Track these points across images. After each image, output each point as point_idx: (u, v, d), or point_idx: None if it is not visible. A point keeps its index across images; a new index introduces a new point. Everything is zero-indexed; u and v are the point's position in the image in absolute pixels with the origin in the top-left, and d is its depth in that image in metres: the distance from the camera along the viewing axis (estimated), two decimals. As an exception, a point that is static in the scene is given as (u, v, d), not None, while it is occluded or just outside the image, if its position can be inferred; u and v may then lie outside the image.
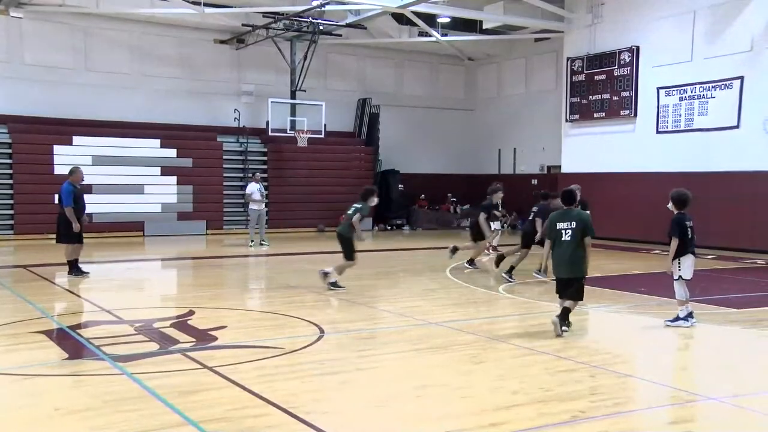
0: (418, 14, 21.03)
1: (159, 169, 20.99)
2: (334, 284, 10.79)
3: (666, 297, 9.60)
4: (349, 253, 10.89)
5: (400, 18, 22.28)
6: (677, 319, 8.12)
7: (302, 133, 21.80)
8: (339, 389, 5.77)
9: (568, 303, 7.78)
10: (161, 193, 21.03)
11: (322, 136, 22.00)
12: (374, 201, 11.09)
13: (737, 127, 17.05)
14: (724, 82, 17.23)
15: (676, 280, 8.14)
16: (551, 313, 8.87)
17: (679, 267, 8.08)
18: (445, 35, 23.07)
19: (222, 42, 22.77)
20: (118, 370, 6.17)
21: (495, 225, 16.96)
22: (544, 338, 7.65)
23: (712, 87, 17.52)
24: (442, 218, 25.42)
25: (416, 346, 7.27)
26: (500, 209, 17.05)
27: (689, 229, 8.05)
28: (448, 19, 22.08)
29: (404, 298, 10.81)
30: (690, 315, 8.14)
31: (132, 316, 8.65)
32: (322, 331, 7.83)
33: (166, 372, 6.13)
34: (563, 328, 7.65)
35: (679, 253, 8.04)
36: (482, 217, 13.03)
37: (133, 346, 7.08)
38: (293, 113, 22.36)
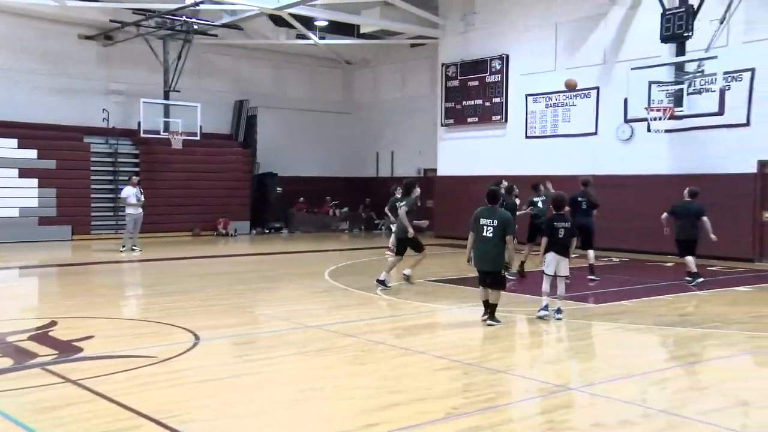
0: (295, 16, 20.93)
1: (17, 171, 19.56)
2: (408, 278, 11.53)
3: (537, 295, 10.11)
4: (417, 246, 11.51)
5: (277, 20, 22.07)
6: (540, 309, 8.78)
7: (176, 135, 21.06)
8: (216, 396, 5.62)
9: (492, 297, 8.33)
10: (19, 196, 19.56)
11: (198, 138, 21.36)
12: (417, 192, 11.69)
13: (595, 133, 18.28)
14: (584, 92, 18.40)
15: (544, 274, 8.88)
16: (428, 313, 9.09)
17: (545, 263, 8.84)
18: (323, 38, 23.10)
19: (88, 37, 21.59)
20: (-41, 392, 5.62)
21: (393, 227, 17.16)
22: (421, 338, 7.85)
23: (574, 96, 18.66)
24: (321, 221, 25.43)
25: (296, 350, 7.22)
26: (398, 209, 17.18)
27: (559, 230, 8.67)
28: (325, 23, 22.13)
29: (283, 301, 10.73)
30: (558, 311, 8.69)
31: (-17, 331, 7.94)
32: (198, 337, 7.61)
33: (20, 389, 5.68)
34: (498, 322, 8.32)
35: (546, 251, 8.78)
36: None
37: (-17, 363, 6.52)
38: (167, 114, 21.56)
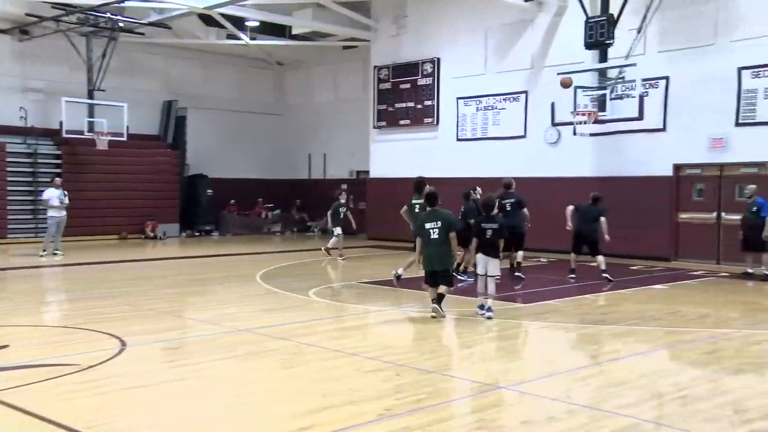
0: (226, 16, 20.60)
1: (-76, 172, 18.58)
2: (399, 277, 11.34)
3: (466, 296, 10.29)
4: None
5: (207, 19, 21.68)
6: (477, 307, 9.04)
7: (101, 135, 20.38)
8: (142, 403, 5.48)
9: (442, 289, 8.79)
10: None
11: (125, 138, 20.75)
12: (427, 190, 11.38)
13: (524, 137, 18.70)
14: (513, 96, 18.83)
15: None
16: (361, 315, 9.11)
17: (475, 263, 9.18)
18: (254, 39, 22.82)
19: (1, 31, 20.64)
20: None
21: (338, 230, 17.00)
22: (353, 340, 7.86)
23: (503, 99, 19.06)
24: (253, 223, 25.13)
25: (226, 354, 7.11)
26: (342, 214, 17.03)
27: (487, 231, 8.97)
28: (256, 23, 21.88)
29: (214, 305, 10.55)
30: (488, 309, 8.89)
31: None
32: (124, 343, 7.39)
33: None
34: (441, 316, 8.64)
35: (476, 251, 9.07)
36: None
37: None
38: (91, 114, 20.85)
